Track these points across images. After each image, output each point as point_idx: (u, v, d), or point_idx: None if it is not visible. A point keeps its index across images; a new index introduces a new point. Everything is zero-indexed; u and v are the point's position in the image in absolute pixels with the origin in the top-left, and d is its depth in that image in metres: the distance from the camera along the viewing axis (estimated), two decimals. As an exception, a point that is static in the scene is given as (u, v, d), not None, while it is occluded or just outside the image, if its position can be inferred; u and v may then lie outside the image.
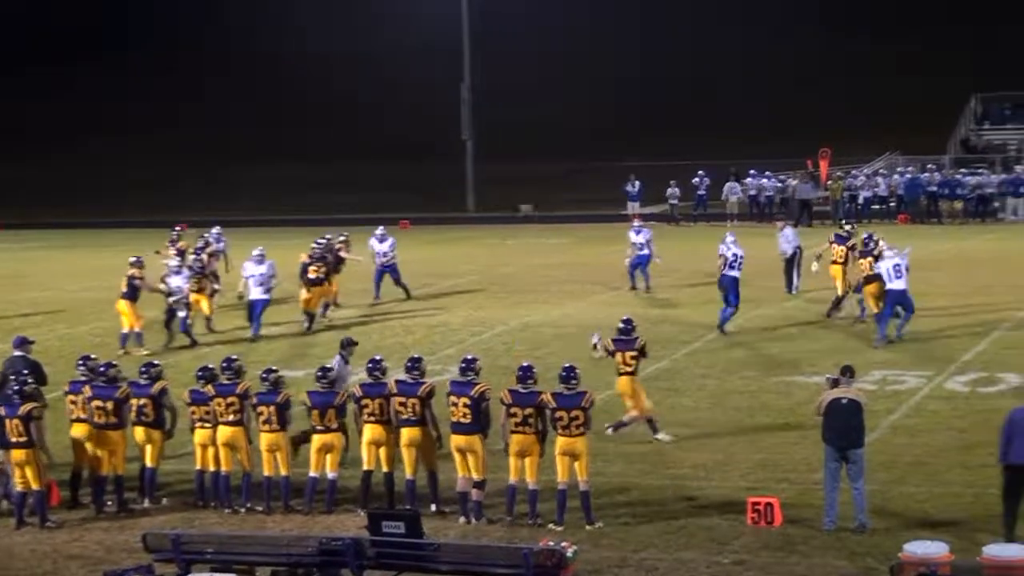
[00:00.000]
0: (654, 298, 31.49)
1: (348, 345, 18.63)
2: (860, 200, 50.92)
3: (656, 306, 30.39)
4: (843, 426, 15.10)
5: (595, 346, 19.02)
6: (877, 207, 50.96)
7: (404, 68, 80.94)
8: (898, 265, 24.68)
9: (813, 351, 24.63)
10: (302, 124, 78.72)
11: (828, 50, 77.78)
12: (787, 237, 30.78)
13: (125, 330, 26.25)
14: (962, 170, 51.87)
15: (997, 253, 39.13)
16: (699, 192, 53.43)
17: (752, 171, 53.40)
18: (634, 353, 18.69)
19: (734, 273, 26.39)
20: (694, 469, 17.63)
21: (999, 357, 23.35)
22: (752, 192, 52.89)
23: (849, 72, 75.84)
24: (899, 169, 53.30)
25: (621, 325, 19.01)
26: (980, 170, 51.62)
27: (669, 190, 52.69)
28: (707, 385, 22.43)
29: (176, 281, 26.83)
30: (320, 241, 30.05)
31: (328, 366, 17.09)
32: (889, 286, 24.66)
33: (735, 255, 26.51)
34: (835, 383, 15.43)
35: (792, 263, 30.71)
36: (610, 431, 18.77)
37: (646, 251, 32.17)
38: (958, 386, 21.50)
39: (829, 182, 51.62)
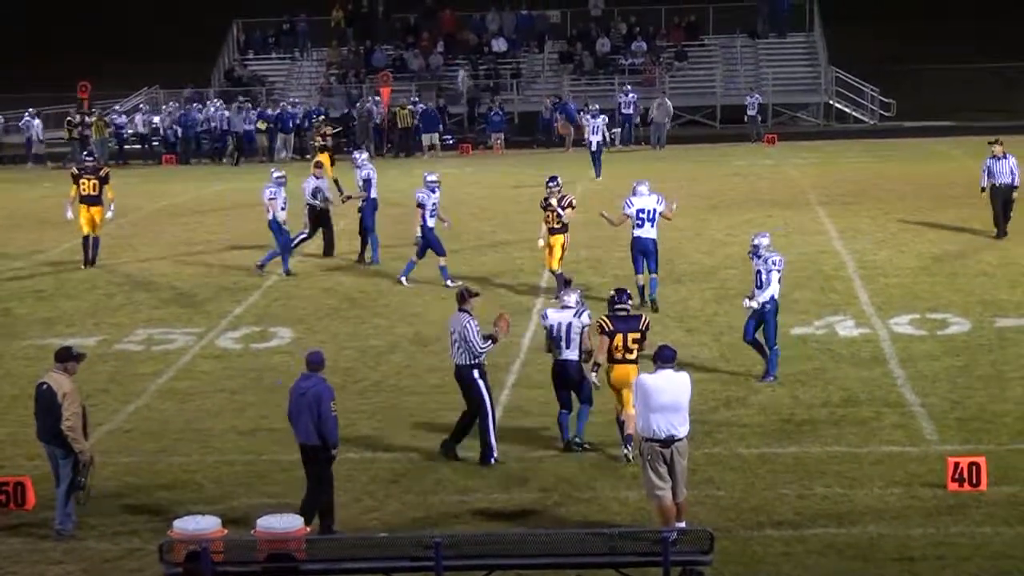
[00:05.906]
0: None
1: None
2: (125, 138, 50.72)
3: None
4: (40, 415, 14.20)
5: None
6: (139, 147, 50.80)
7: None
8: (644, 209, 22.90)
9: (70, 311, 24.44)
10: None
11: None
12: None
13: None
14: (237, 101, 51.84)
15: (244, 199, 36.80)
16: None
17: None
18: (637, 335, 16.12)
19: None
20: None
21: (272, 309, 23.98)
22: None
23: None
24: (165, 105, 53.30)
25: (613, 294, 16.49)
26: (244, 104, 52.14)
27: None
28: (-53, 355, 21.74)
29: None
30: None
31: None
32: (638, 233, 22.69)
33: None
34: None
35: None
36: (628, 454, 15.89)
37: None
38: (230, 343, 21.95)
39: (93, 118, 50.88)
